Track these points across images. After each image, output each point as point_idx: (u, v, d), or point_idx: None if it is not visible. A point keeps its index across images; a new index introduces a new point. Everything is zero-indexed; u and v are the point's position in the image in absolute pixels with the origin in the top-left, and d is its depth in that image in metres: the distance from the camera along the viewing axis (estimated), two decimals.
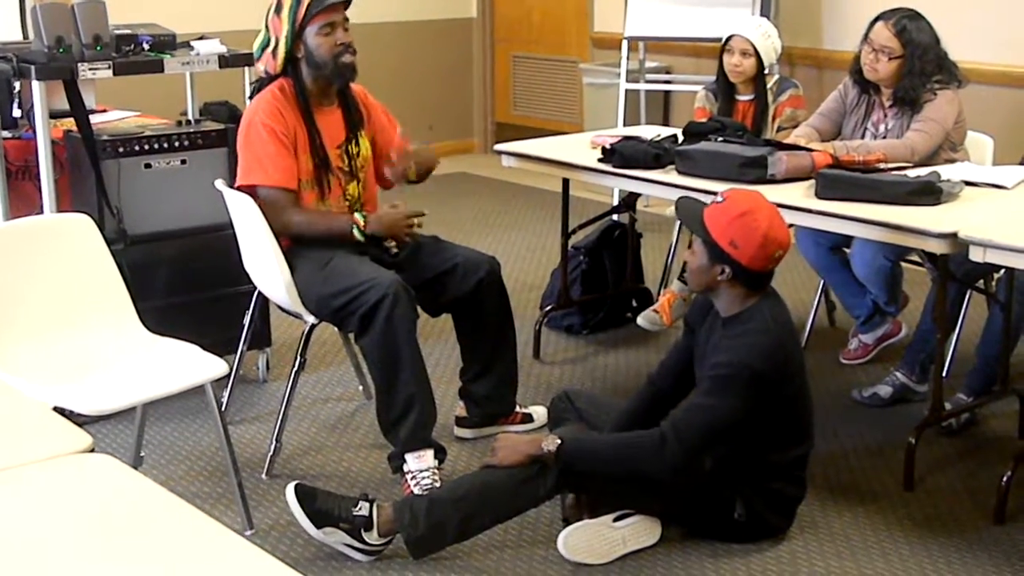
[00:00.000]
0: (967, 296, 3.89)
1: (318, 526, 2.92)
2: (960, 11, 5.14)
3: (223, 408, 3.43)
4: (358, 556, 2.93)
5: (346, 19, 3.42)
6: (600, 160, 3.88)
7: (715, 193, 3.01)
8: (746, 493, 2.99)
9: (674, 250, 4.78)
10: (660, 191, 3.77)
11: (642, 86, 6.38)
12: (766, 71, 4.35)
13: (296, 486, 2.96)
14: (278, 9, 3.37)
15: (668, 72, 6.67)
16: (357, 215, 3.41)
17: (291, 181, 3.36)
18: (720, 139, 3.72)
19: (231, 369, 3.55)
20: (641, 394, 3.18)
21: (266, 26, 3.41)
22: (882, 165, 3.55)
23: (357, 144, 3.51)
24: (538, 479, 2.88)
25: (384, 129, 3.60)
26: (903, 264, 3.93)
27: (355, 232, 3.37)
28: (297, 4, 3.34)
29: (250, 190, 3.36)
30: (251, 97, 3.51)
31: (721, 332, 2.94)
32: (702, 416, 2.86)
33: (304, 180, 3.40)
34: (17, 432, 2.04)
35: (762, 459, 2.98)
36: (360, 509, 2.92)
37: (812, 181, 3.43)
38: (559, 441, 2.86)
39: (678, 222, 4.52)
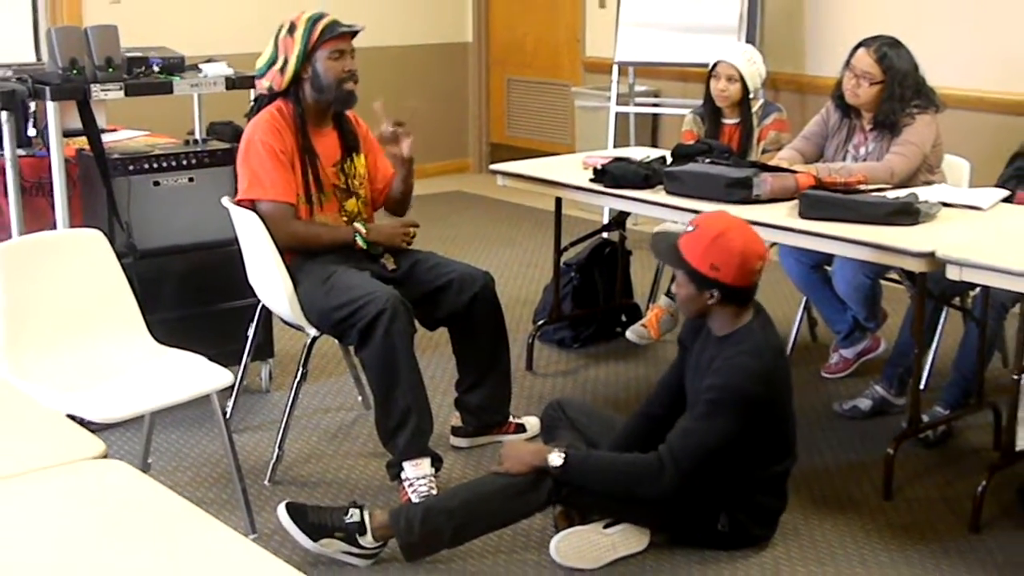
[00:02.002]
0: (944, 313, 3.93)
1: (314, 539, 2.96)
2: (938, 39, 5.20)
3: (228, 417, 3.44)
4: (356, 562, 2.97)
5: (353, 49, 3.50)
6: (592, 180, 3.92)
7: (700, 213, 3.08)
8: (730, 506, 3.03)
9: (662, 267, 4.79)
10: (649, 210, 3.82)
11: (631, 109, 6.43)
12: (751, 96, 4.38)
13: (287, 504, 2.99)
14: (291, 30, 3.46)
15: (656, 96, 6.71)
16: (358, 224, 3.50)
17: (290, 195, 3.41)
18: (707, 161, 3.76)
19: (236, 379, 3.56)
20: (637, 414, 3.21)
21: (275, 45, 3.48)
22: (863, 186, 3.57)
23: (353, 163, 3.57)
24: (531, 492, 2.92)
25: (373, 150, 3.68)
26: (882, 282, 3.96)
27: (358, 240, 3.47)
28: (311, 27, 3.43)
29: (250, 205, 3.42)
30: (249, 115, 3.56)
31: (714, 351, 2.97)
32: (696, 439, 2.89)
33: (300, 196, 3.45)
34: (35, 438, 2.05)
35: (747, 475, 3.01)
36: (351, 516, 2.97)
37: (796, 201, 3.47)
38: (564, 457, 2.90)
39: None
